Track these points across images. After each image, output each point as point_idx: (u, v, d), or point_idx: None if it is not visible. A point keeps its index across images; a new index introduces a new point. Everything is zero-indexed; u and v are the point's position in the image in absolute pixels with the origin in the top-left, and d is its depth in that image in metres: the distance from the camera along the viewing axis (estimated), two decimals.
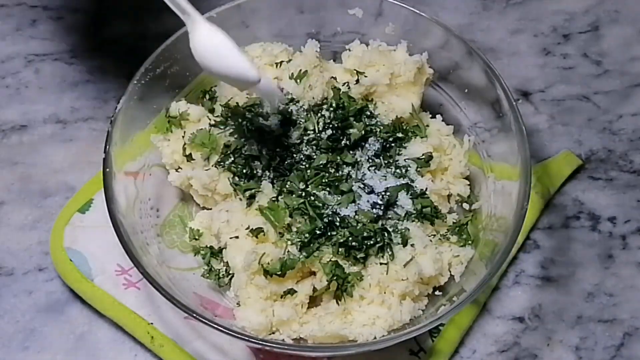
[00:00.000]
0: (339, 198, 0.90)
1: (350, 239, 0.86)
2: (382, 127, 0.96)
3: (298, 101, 0.96)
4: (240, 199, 0.92)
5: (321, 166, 0.92)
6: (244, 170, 0.92)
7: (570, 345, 0.96)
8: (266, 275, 0.85)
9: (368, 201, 0.91)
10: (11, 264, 0.99)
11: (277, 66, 0.99)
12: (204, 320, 0.80)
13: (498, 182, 0.94)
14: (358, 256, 0.86)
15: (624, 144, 1.12)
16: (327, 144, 0.94)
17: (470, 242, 0.93)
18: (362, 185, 0.92)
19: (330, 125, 0.94)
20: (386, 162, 0.94)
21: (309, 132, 0.94)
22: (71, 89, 1.13)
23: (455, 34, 0.97)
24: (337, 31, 1.05)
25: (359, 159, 0.94)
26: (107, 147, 0.88)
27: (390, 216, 0.91)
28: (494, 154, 0.96)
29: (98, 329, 0.95)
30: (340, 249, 0.86)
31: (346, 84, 0.98)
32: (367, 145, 0.95)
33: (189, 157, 0.94)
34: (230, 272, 0.91)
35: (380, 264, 0.87)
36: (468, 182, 0.97)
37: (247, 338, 0.81)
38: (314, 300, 0.88)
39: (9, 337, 0.94)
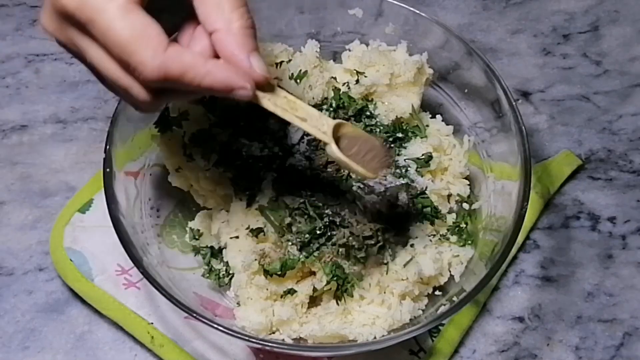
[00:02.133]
0: (339, 198, 0.90)
1: (350, 239, 0.86)
2: (382, 127, 0.96)
3: None
4: (240, 199, 0.92)
5: (321, 166, 0.92)
6: (244, 171, 0.92)
7: (570, 345, 0.96)
8: (266, 275, 0.85)
9: (368, 201, 0.91)
10: (11, 264, 0.99)
11: (277, 66, 0.99)
12: (204, 320, 0.80)
13: (498, 182, 0.94)
14: (358, 256, 0.86)
15: (624, 144, 1.12)
16: None
17: (470, 242, 0.93)
18: (362, 185, 0.92)
19: None
20: None
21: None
22: (71, 89, 1.12)
23: (455, 34, 0.97)
24: (337, 31, 1.05)
25: None
26: (107, 147, 0.87)
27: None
28: (494, 154, 0.96)
29: (98, 329, 0.95)
30: (340, 249, 0.86)
31: (346, 84, 0.98)
32: None
33: (189, 157, 0.94)
34: (230, 272, 0.91)
35: (380, 264, 0.87)
36: (468, 182, 0.97)
37: (247, 338, 0.81)
38: (314, 300, 0.88)
39: (9, 337, 0.94)
